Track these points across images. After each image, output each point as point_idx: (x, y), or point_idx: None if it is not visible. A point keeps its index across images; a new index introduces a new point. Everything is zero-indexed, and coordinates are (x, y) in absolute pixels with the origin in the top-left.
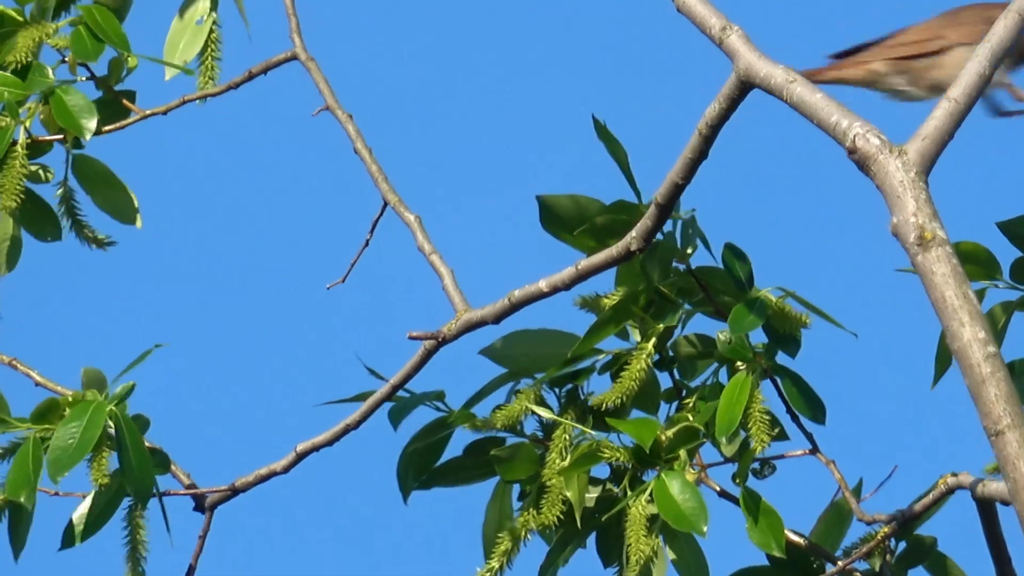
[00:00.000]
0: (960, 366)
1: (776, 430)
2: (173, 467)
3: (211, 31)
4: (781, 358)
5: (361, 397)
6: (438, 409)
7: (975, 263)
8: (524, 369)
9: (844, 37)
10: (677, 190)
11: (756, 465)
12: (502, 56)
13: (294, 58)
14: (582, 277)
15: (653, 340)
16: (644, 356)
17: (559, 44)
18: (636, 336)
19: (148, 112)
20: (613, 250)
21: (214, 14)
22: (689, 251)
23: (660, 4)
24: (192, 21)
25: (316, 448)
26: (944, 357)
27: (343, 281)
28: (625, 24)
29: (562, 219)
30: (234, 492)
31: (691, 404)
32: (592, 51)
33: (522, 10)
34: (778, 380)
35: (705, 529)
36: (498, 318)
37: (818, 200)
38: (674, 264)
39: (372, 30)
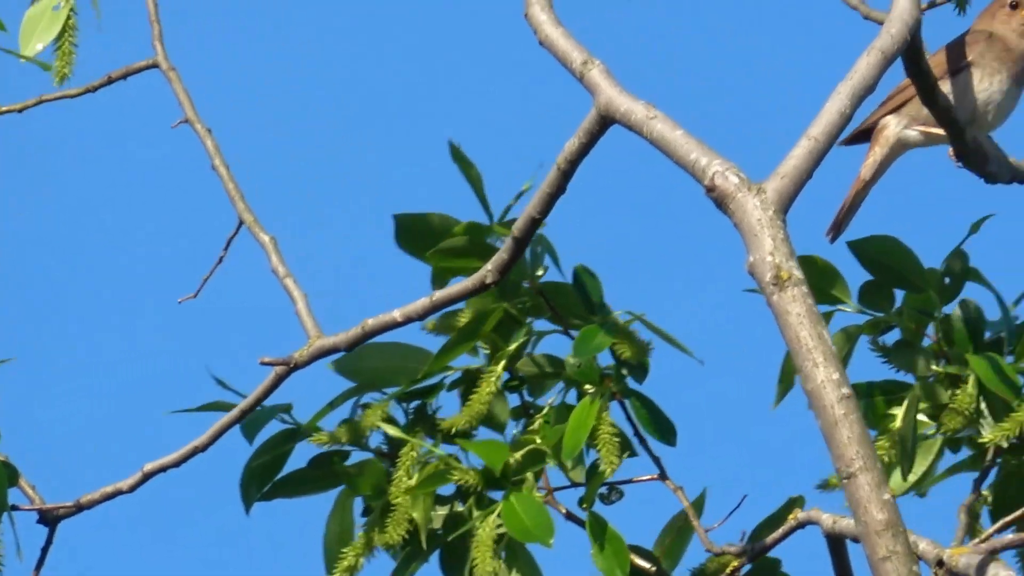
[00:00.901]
0: (813, 407)
1: (626, 453)
2: (21, 481)
3: (68, 17)
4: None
5: (211, 407)
6: (284, 422)
7: (824, 283)
8: (373, 383)
9: (708, 73)
10: (534, 224)
11: (604, 490)
12: (368, 76)
13: (155, 66)
14: (436, 308)
15: (503, 362)
16: (493, 379)
17: (424, 69)
18: (487, 352)
19: (3, 109)
20: (468, 282)
21: (71, 0)
22: (539, 272)
23: (524, 37)
24: (49, 7)
25: (163, 468)
26: (787, 379)
27: (195, 296)
28: (491, 56)
29: (417, 238)
30: (79, 508)
31: (538, 425)
32: (457, 80)
33: (391, 30)
34: (626, 402)
35: (551, 541)
36: (351, 346)
37: (679, 237)
38: (524, 284)
39: (237, 44)
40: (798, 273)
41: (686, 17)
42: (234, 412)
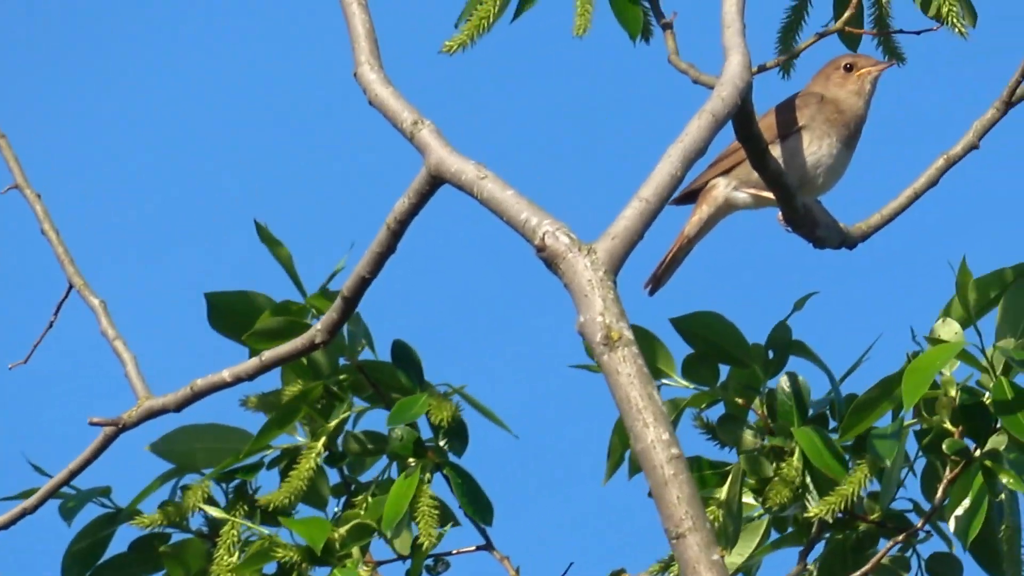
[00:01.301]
0: (643, 467)
1: (449, 524)
2: None
3: None
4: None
5: (25, 495)
6: (104, 506)
7: (648, 355)
8: (191, 465)
9: (540, 133)
10: (364, 284)
11: (430, 562)
12: (199, 139)
13: None
14: (266, 368)
15: (323, 439)
16: (313, 455)
17: (253, 128)
18: (306, 431)
19: None
20: (298, 342)
21: None
22: (359, 347)
23: (355, 96)
24: None
25: None
26: (616, 452)
27: (25, 362)
28: (322, 114)
29: (231, 317)
30: None
31: (362, 500)
32: (288, 140)
33: (219, 88)
34: (448, 478)
35: None
36: (180, 406)
37: (511, 297)
38: (343, 361)
39: (66, 110)
40: (628, 333)
41: (518, 77)
42: (63, 474)
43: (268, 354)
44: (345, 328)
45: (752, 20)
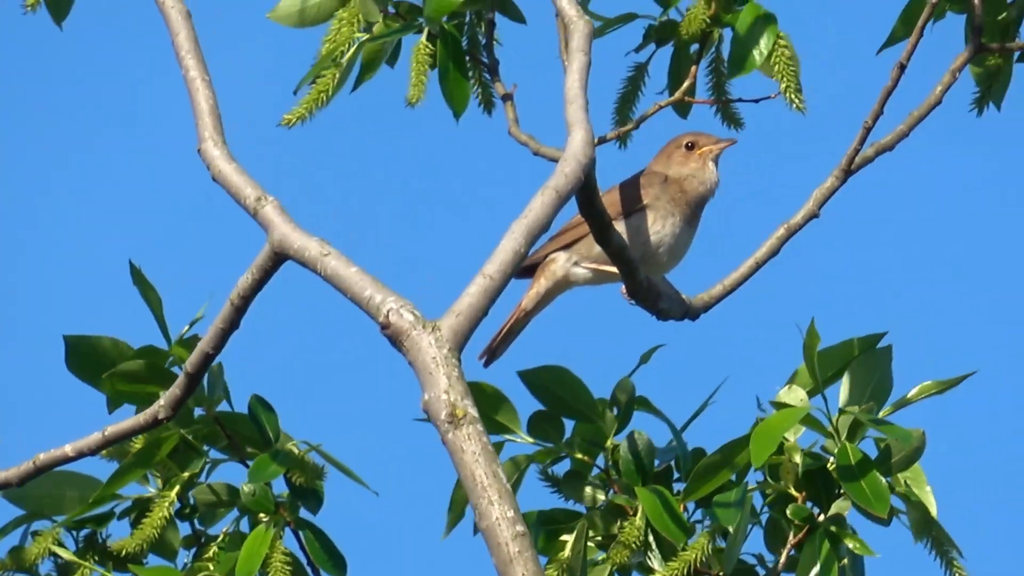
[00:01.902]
0: (488, 545)
1: None
2: None
3: None
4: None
5: None
6: None
7: (493, 411)
8: (43, 511)
9: (384, 209)
10: (207, 359)
11: None
12: (44, 205)
13: None
14: (108, 443)
15: (176, 488)
16: (166, 504)
17: (96, 202)
18: (159, 482)
19: None
20: (141, 417)
21: None
22: (217, 399)
23: (199, 172)
24: None
25: None
26: (457, 507)
27: None
28: (167, 190)
29: (89, 361)
30: None
31: (211, 553)
32: (133, 213)
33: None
34: (300, 534)
35: None
36: (22, 480)
37: (360, 373)
38: (199, 412)
39: None
40: (473, 411)
41: (360, 152)
42: None
43: (111, 429)
44: (206, 380)
45: (593, 87)
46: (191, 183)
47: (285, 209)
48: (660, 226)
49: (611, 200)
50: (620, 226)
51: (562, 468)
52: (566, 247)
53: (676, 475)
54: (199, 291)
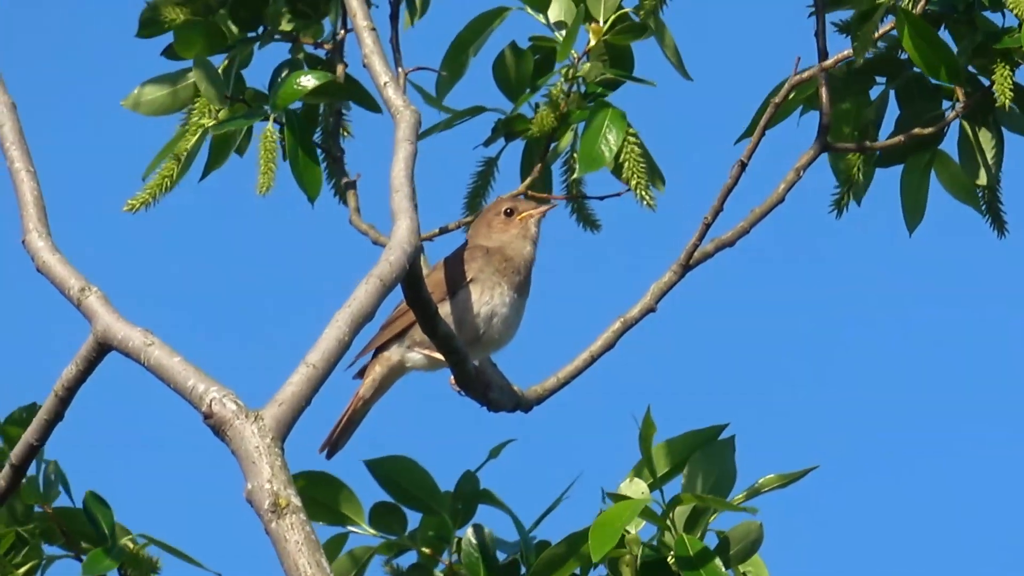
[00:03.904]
0: None
1: None
2: None
3: None
4: None
5: None
6: None
7: (334, 502)
8: None
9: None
10: (32, 451)
11: None
12: None
13: None
14: None
15: None
16: None
17: None
18: None
19: None
20: None
21: None
22: (53, 495)
23: (23, 263)
24: None
25: None
26: None
27: None
28: None
29: None
30: None
31: None
32: None
33: None
34: None
35: None
36: None
37: (183, 463)
38: (37, 508)
39: None
40: (296, 501)
41: (174, 241)
42: None
43: None
44: (41, 476)
45: (438, 179)
46: (16, 274)
47: (109, 300)
48: (489, 297)
49: (436, 280)
50: (447, 307)
51: (408, 560)
52: (399, 336)
53: (524, 570)
54: (23, 386)
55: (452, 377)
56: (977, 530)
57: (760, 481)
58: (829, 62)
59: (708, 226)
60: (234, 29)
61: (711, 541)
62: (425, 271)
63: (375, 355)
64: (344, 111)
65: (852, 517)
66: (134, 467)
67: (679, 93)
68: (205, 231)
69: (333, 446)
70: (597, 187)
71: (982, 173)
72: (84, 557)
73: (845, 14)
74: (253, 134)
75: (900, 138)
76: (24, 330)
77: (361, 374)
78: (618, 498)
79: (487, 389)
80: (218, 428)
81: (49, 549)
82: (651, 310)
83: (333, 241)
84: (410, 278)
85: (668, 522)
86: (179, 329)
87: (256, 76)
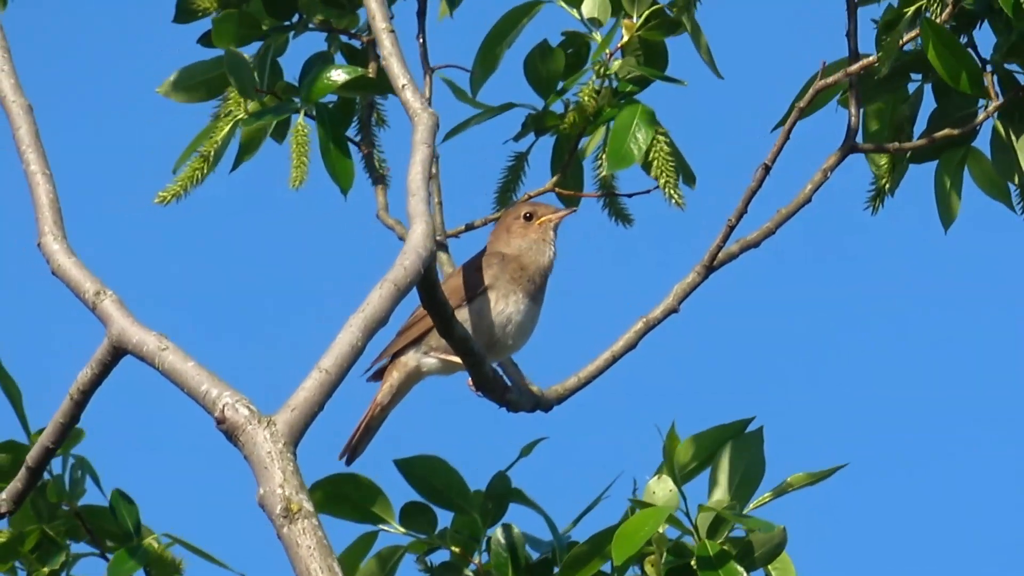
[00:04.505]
0: None
1: None
2: None
3: None
4: None
5: None
6: None
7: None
8: None
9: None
10: (48, 453)
11: None
12: None
13: None
14: None
15: None
16: None
17: None
18: (25, 573)
19: None
20: None
21: None
22: (78, 494)
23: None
24: None
25: None
26: None
27: None
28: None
29: None
30: None
31: None
32: None
33: None
34: None
35: None
36: None
37: (196, 467)
38: (63, 507)
39: None
40: (308, 505)
41: (193, 241)
42: None
43: None
44: (67, 473)
45: (469, 175)
46: (33, 277)
47: (124, 303)
48: (503, 305)
49: (453, 286)
50: (463, 313)
51: (439, 558)
52: (415, 341)
53: (556, 569)
54: (40, 389)
55: (470, 379)
56: (1003, 529)
57: (789, 479)
58: (853, 68)
59: (732, 228)
60: (268, 18)
61: (736, 544)
62: (449, 271)
63: (392, 360)
64: (380, 101)
65: (879, 515)
66: (148, 471)
67: (713, 90)
68: (221, 233)
69: (352, 452)
70: (630, 184)
71: (1016, 171)
72: (109, 555)
73: (884, 8)
74: (289, 124)
75: (928, 139)
76: (40, 333)
77: (375, 377)
78: (642, 505)
79: (505, 391)
80: (231, 433)
81: (75, 547)
82: (674, 311)
83: (361, 237)
84: (425, 283)
85: (690, 528)
86: (194, 332)
87: (293, 65)
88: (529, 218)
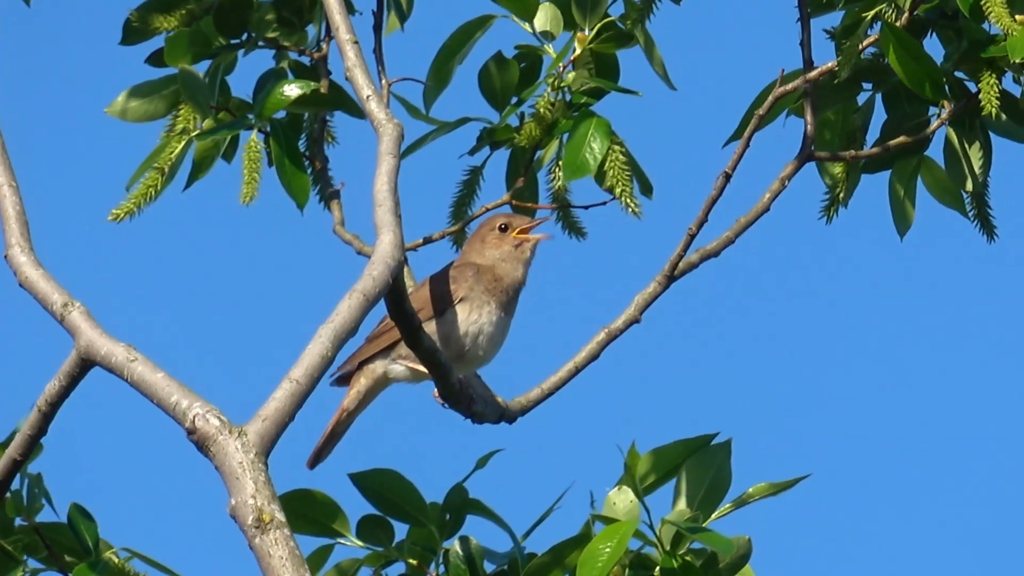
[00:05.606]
0: None
1: None
2: None
3: None
4: None
5: None
6: None
7: (324, 517)
8: None
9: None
10: (16, 466)
11: None
12: None
13: None
14: None
15: None
16: None
17: None
18: None
19: None
20: None
21: None
22: (36, 508)
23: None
24: None
25: None
26: None
27: None
28: None
29: None
30: None
31: None
32: None
33: None
34: None
35: None
36: None
37: (171, 481)
38: (19, 522)
39: None
40: (280, 516)
41: (159, 253)
42: None
43: None
44: (25, 489)
45: (424, 189)
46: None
47: (92, 315)
48: (476, 316)
49: (422, 297)
50: (432, 325)
51: (396, 570)
52: (384, 351)
53: None
54: (8, 397)
55: (436, 390)
56: (967, 538)
57: (750, 490)
58: (813, 74)
59: (692, 237)
60: (219, 36)
61: (699, 555)
62: (410, 284)
63: (359, 367)
64: (328, 118)
65: (843, 526)
66: (117, 483)
67: (666, 101)
68: (188, 244)
69: (316, 456)
70: (585, 197)
71: (968, 178)
72: (67, 572)
73: (835, 18)
74: (239, 142)
75: (883, 147)
76: (7, 345)
77: (340, 382)
78: (606, 520)
79: (471, 402)
80: (202, 444)
81: (33, 563)
82: (635, 321)
83: (316, 251)
84: (393, 293)
85: (654, 540)
86: (161, 344)
87: (241, 83)
88: (504, 229)
